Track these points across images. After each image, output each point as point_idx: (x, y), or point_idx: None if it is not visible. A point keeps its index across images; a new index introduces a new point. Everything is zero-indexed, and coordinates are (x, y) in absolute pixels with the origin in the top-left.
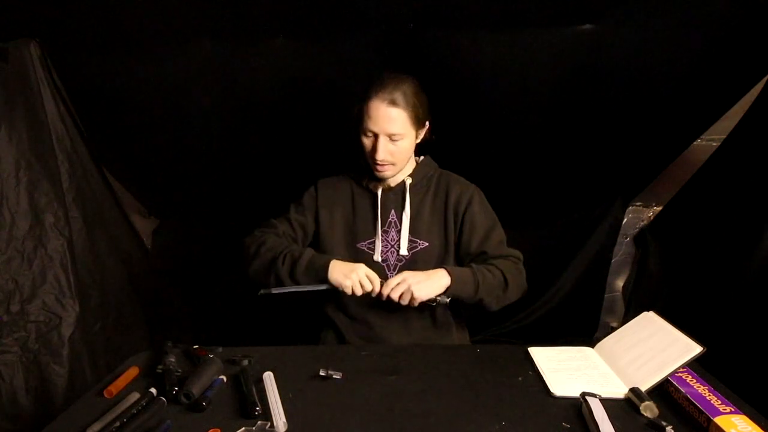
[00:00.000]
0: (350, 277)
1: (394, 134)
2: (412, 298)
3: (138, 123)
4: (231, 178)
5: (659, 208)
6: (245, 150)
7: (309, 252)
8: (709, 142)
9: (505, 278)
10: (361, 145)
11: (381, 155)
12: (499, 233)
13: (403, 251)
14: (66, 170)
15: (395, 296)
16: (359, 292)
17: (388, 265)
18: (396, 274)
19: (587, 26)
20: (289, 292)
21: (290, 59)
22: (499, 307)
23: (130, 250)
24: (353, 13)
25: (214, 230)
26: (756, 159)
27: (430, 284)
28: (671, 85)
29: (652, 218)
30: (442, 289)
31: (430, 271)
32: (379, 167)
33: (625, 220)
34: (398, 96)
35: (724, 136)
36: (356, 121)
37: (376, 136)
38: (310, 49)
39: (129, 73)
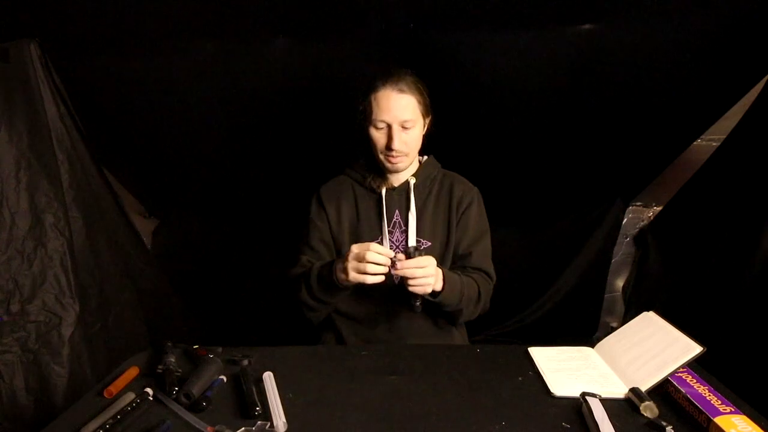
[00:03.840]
0: (360, 270)
1: (407, 121)
2: (420, 287)
3: (138, 123)
4: (231, 179)
5: (659, 208)
6: (245, 150)
7: (315, 268)
8: (709, 142)
9: (480, 296)
10: (370, 141)
11: (397, 144)
12: (488, 244)
13: None
14: (66, 170)
15: (418, 275)
16: (380, 277)
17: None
18: (426, 259)
19: (587, 26)
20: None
21: (290, 59)
22: (463, 321)
23: (130, 251)
24: (353, 12)
25: (214, 230)
26: (756, 159)
27: (436, 283)
28: (671, 85)
29: (652, 218)
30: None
31: (438, 271)
32: (393, 159)
33: (625, 220)
34: (405, 84)
35: (724, 136)
36: (362, 117)
37: (389, 126)
38: (310, 49)
39: (129, 73)
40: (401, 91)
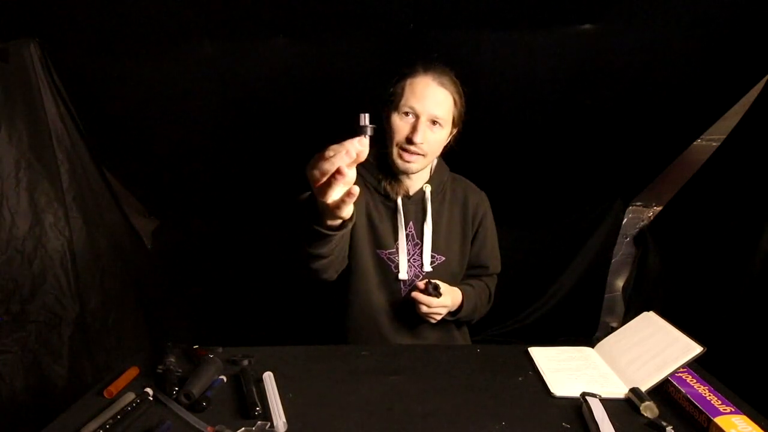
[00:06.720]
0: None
1: (438, 117)
2: (429, 316)
3: (138, 123)
4: (231, 178)
5: (659, 208)
6: (245, 150)
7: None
8: (709, 142)
9: (489, 299)
10: (387, 131)
11: (419, 138)
12: (498, 249)
13: (427, 267)
14: (66, 170)
15: (430, 313)
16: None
17: (404, 281)
18: (440, 294)
19: (587, 26)
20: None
21: (290, 59)
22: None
23: (130, 250)
24: (354, 12)
25: (214, 230)
26: (756, 159)
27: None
28: (671, 85)
29: (652, 218)
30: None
31: (455, 292)
32: (407, 156)
33: (625, 220)
34: (448, 79)
35: (724, 136)
36: (388, 101)
37: (416, 117)
38: (310, 49)
39: (129, 73)
40: (442, 84)
